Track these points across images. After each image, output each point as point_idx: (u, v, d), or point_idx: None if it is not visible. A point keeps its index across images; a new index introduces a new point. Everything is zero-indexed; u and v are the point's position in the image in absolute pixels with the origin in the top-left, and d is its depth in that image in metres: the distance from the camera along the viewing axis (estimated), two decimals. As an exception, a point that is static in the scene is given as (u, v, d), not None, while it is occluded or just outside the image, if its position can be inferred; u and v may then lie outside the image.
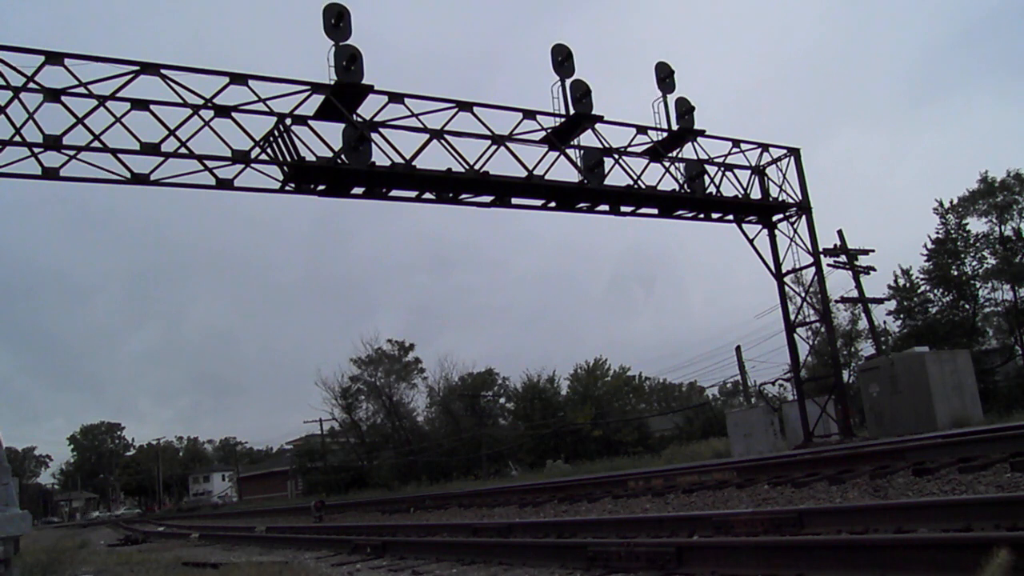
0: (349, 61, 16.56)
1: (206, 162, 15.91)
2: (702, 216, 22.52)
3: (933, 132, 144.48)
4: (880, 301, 33.56)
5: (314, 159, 16.45)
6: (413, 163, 17.43)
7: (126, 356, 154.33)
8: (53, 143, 14.57)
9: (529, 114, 19.31)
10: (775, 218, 23.61)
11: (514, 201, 19.81)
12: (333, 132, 16.92)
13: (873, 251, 29.41)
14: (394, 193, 18.34)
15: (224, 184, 16.24)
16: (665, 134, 20.98)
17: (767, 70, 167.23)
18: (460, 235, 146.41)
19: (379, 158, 17.10)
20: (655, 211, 21.61)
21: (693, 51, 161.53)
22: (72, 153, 14.76)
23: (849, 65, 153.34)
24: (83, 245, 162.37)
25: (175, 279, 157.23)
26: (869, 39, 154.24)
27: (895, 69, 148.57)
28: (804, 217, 23.18)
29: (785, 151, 23.43)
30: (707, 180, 21.36)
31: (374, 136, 17.26)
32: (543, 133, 19.46)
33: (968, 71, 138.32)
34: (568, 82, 19.40)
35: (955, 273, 35.36)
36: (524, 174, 18.77)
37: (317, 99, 16.91)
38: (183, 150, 15.56)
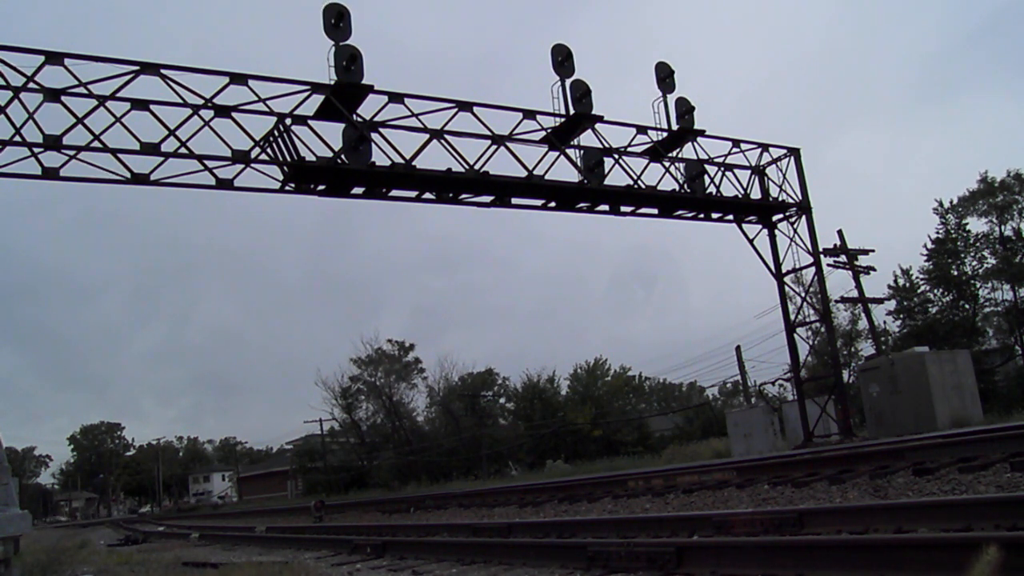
0: (349, 61, 16.56)
1: (206, 162, 15.92)
2: (702, 216, 22.52)
3: (938, 132, 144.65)
4: (880, 301, 33.59)
5: (314, 159, 16.45)
6: (413, 163, 17.43)
7: (130, 356, 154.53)
8: (53, 143, 14.57)
9: (529, 114, 19.32)
10: (775, 218, 23.61)
11: (514, 201, 19.81)
12: (333, 132, 16.96)
13: (873, 251, 29.43)
14: (394, 193, 18.34)
15: (224, 184, 16.25)
16: (665, 134, 20.99)
17: (771, 70, 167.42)
18: (465, 235, 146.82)
19: (379, 158, 17.11)
20: (655, 211, 21.61)
21: (697, 51, 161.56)
22: (72, 153, 14.76)
23: (854, 65, 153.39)
24: (88, 245, 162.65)
25: (180, 279, 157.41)
26: (875, 40, 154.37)
27: (900, 69, 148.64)
28: (804, 217, 23.19)
29: (785, 151, 23.43)
30: (707, 180, 21.36)
31: (374, 136, 17.26)
32: (543, 133, 19.46)
33: (974, 71, 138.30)
34: (568, 82, 19.40)
35: (955, 273, 35.38)
36: (524, 174, 18.77)
37: (317, 99, 16.91)
38: (183, 150, 15.56)
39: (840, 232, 29.07)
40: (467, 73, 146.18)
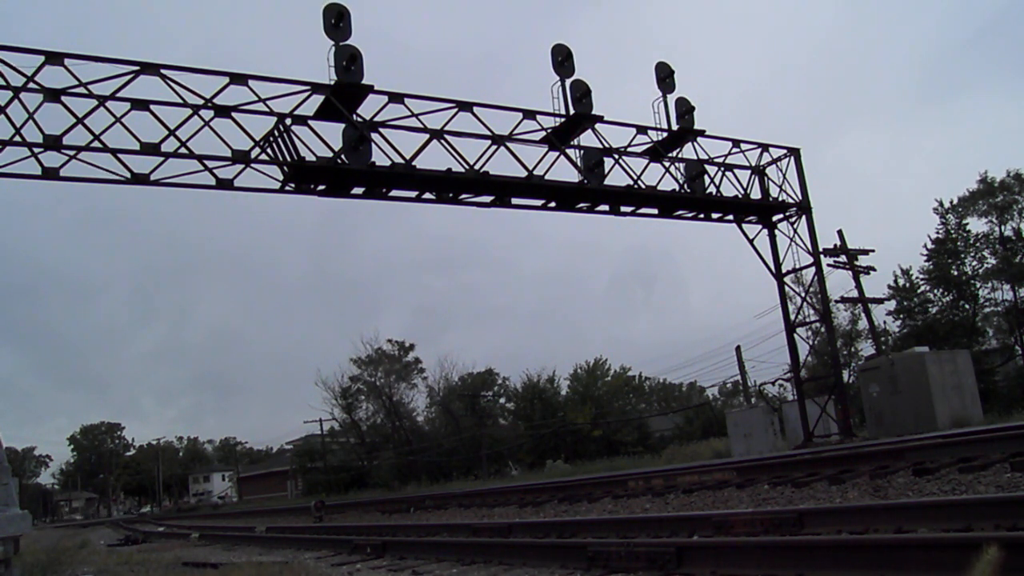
0: (349, 61, 16.56)
1: (206, 162, 15.91)
2: (702, 216, 22.51)
3: (938, 132, 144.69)
4: (880, 301, 33.58)
5: (314, 159, 16.45)
6: (413, 163, 17.43)
7: (130, 356, 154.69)
8: (53, 143, 14.57)
9: (529, 114, 19.31)
10: (775, 218, 23.61)
11: (514, 201, 19.81)
12: (333, 132, 16.96)
13: (873, 251, 29.43)
14: (394, 193, 18.34)
15: (224, 184, 16.24)
16: (665, 134, 20.98)
17: (772, 70, 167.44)
18: (465, 235, 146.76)
19: (379, 158, 17.11)
20: (655, 211, 21.61)
21: (697, 51, 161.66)
22: (72, 153, 14.76)
23: (855, 66, 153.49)
24: (88, 245, 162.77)
25: (181, 279, 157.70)
26: (875, 40, 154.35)
27: (901, 70, 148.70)
28: (804, 217, 23.19)
29: (785, 151, 23.43)
30: (707, 180, 21.36)
31: (374, 136, 17.26)
32: (543, 133, 19.45)
33: (974, 72, 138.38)
34: (568, 82, 19.40)
35: (955, 273, 35.38)
36: (524, 174, 18.77)
37: (317, 99, 16.91)
38: (183, 150, 15.56)
39: (840, 232, 29.10)
40: (467, 73, 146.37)
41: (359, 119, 17.12)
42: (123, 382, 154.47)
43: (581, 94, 19.37)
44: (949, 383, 19.87)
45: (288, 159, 16.30)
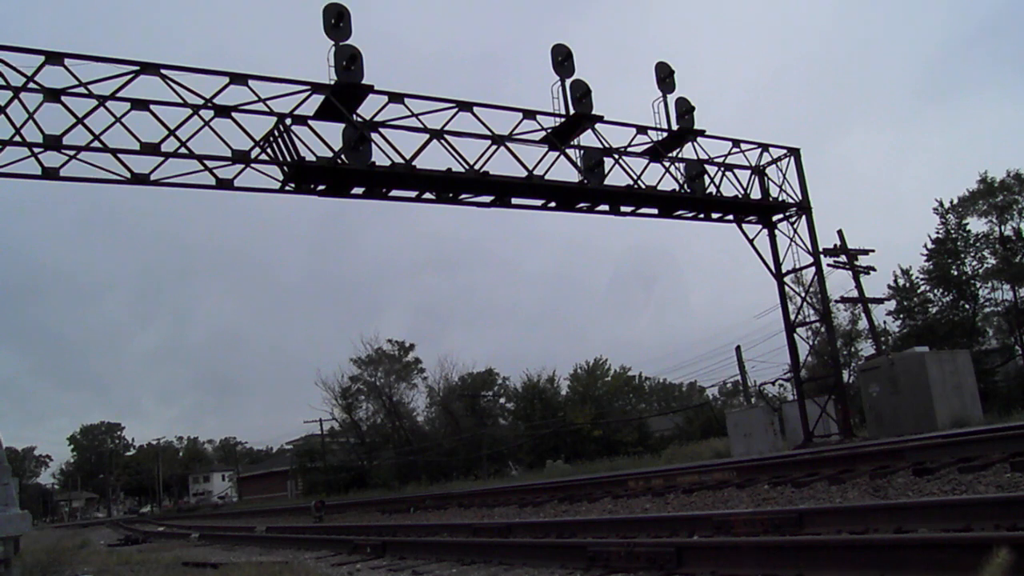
0: (349, 61, 16.56)
1: (206, 162, 15.91)
2: (702, 216, 22.51)
3: (938, 132, 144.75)
4: (880, 301, 33.58)
5: (314, 159, 16.45)
6: (413, 163, 17.43)
7: (130, 356, 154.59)
8: (53, 143, 14.56)
9: (529, 114, 19.31)
10: (775, 218, 23.61)
11: (514, 201, 19.81)
12: (333, 132, 16.96)
13: (873, 251, 29.40)
14: (394, 193, 18.34)
15: (224, 184, 16.24)
16: (665, 134, 20.98)
17: (773, 70, 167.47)
18: (465, 235, 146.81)
19: (379, 158, 17.12)
20: (655, 211, 21.61)
21: (698, 51, 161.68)
22: (72, 153, 14.75)
23: (856, 66, 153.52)
24: (89, 245, 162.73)
25: (181, 279, 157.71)
26: (876, 40, 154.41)
27: (901, 70, 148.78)
28: (804, 217, 23.19)
29: (785, 151, 23.43)
30: (707, 180, 21.36)
31: (374, 136, 17.26)
32: (543, 133, 19.45)
33: (974, 72, 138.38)
34: (568, 82, 19.40)
35: (955, 273, 35.38)
36: (524, 174, 18.77)
37: (317, 99, 16.91)
38: (183, 150, 15.55)
39: (840, 232, 29.07)
40: (468, 73, 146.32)
41: (359, 119, 17.12)
42: (123, 382, 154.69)
43: (581, 94, 19.37)
44: (949, 383, 19.86)
45: (288, 159, 16.31)
